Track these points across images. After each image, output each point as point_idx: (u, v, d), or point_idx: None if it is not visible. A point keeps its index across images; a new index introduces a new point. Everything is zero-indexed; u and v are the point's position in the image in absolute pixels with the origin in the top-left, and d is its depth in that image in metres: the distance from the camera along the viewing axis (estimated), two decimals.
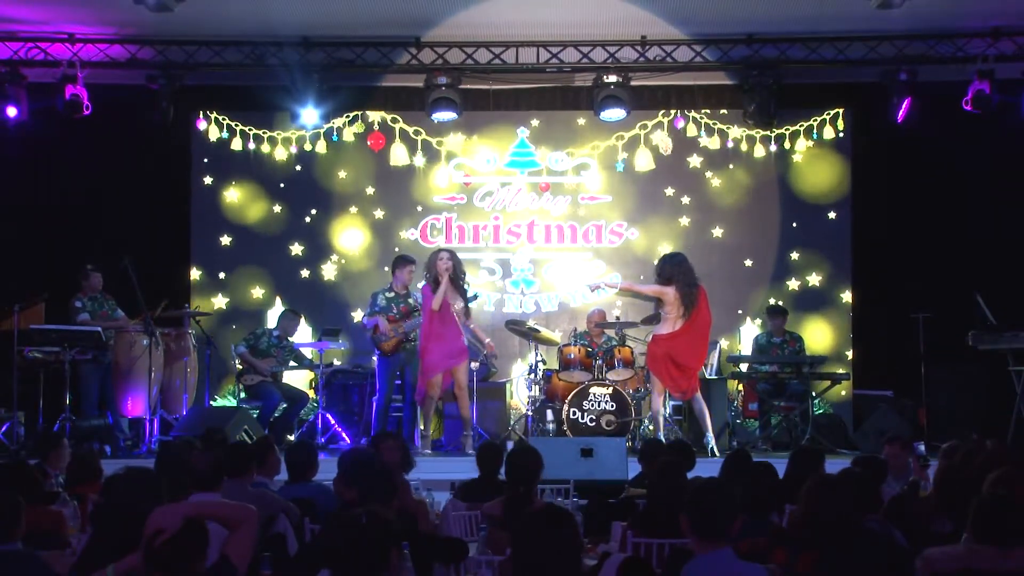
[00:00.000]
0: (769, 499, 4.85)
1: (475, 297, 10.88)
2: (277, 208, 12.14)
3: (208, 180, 12.13)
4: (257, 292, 12.05)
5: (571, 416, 10.07)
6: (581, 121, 12.00)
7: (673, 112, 11.97)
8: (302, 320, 11.52)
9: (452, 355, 9.92)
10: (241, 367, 10.90)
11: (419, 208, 12.15)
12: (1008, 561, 4.06)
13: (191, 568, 3.57)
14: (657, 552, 4.73)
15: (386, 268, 11.25)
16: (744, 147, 11.96)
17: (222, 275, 12.07)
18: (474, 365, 10.67)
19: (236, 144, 12.03)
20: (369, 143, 12.03)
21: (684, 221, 12.10)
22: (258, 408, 10.54)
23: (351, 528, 3.46)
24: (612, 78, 10.99)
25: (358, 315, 11.50)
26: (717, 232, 12.06)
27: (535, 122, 12.12)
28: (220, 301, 11.97)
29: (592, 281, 11.11)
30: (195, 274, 12.06)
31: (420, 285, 10.31)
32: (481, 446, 6.82)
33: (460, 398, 10.10)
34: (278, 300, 11.95)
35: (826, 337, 11.93)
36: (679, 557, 4.04)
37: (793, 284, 12.02)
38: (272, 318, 11.63)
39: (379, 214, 12.15)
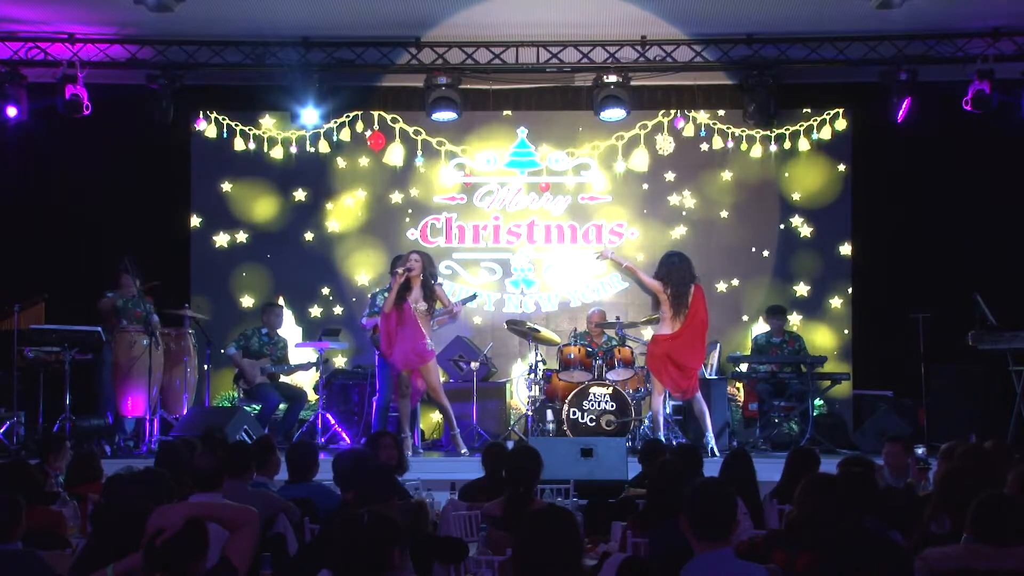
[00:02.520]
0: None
1: (474, 296, 10.88)
2: (277, 208, 12.14)
3: (208, 180, 12.13)
4: (258, 291, 12.04)
5: (571, 416, 10.07)
6: (581, 121, 12.00)
7: (673, 112, 11.97)
8: (294, 319, 11.50)
9: (411, 355, 9.74)
10: (236, 371, 10.90)
11: (419, 208, 12.16)
12: (1007, 560, 4.07)
13: (191, 568, 3.57)
14: None
15: (386, 268, 11.23)
16: (744, 147, 11.96)
17: (221, 275, 12.07)
18: (474, 365, 10.69)
19: (236, 144, 12.04)
20: (369, 143, 12.04)
21: (684, 221, 12.10)
22: (257, 408, 10.54)
23: (353, 528, 3.46)
24: (612, 78, 11.00)
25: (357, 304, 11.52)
26: (717, 232, 12.06)
27: (535, 122, 12.12)
28: (220, 301, 11.96)
29: (601, 248, 10.88)
30: (195, 273, 12.06)
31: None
32: (487, 446, 6.83)
33: (435, 399, 10.09)
34: (280, 299, 11.95)
35: (826, 337, 11.93)
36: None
37: (793, 284, 12.02)
38: None
39: (379, 214, 12.15)
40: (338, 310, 11.99)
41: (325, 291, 12.06)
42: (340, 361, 11.67)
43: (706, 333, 10.11)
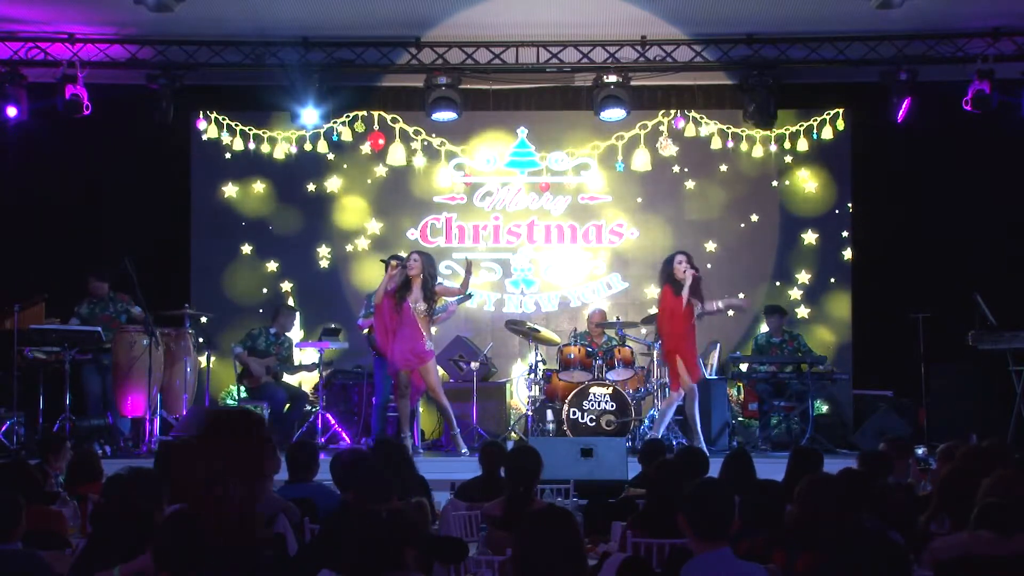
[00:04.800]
0: (769, 514, 4.79)
1: (469, 296, 10.86)
2: (276, 208, 12.15)
3: (208, 180, 12.14)
4: (257, 290, 12.04)
5: (571, 416, 10.07)
6: (581, 121, 11.99)
7: (673, 112, 11.97)
8: (299, 320, 11.51)
9: (411, 355, 9.69)
10: (239, 369, 10.91)
11: (419, 208, 12.16)
12: (1009, 545, 4.11)
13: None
14: (657, 552, 4.73)
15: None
16: (744, 147, 11.97)
17: (222, 275, 12.08)
18: (474, 365, 10.69)
19: (236, 144, 12.04)
20: (369, 143, 12.04)
21: (683, 221, 12.11)
22: (260, 408, 10.54)
23: (373, 526, 3.46)
24: (612, 78, 11.00)
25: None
26: (716, 232, 12.06)
27: (535, 122, 12.12)
28: (220, 300, 11.96)
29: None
30: (195, 273, 12.06)
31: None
32: (483, 444, 6.82)
33: (435, 400, 10.08)
34: (288, 300, 11.94)
35: (826, 337, 11.93)
36: (679, 557, 4.04)
37: (793, 283, 12.03)
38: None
39: (379, 214, 12.15)
40: (337, 310, 11.98)
41: (324, 291, 12.06)
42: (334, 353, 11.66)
43: (669, 331, 9.78)
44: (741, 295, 11.88)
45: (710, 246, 12.00)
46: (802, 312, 11.96)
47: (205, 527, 3.21)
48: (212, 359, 11.10)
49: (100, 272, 10.30)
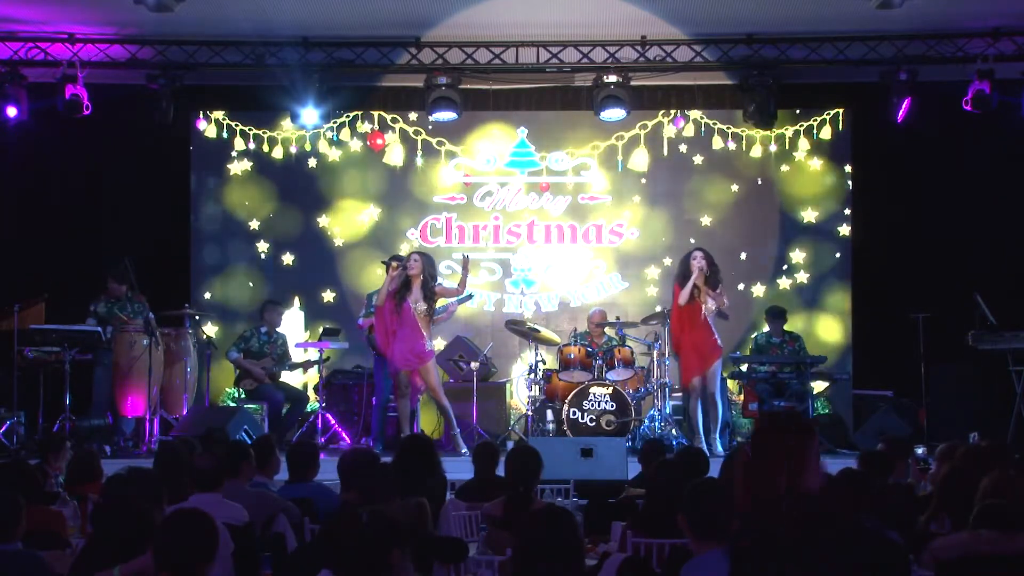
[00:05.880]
0: None
1: (470, 296, 10.87)
2: (276, 208, 12.15)
3: (208, 180, 12.14)
4: (256, 290, 12.04)
5: (571, 416, 10.07)
6: (581, 121, 11.99)
7: (673, 112, 11.97)
8: (304, 320, 11.50)
9: (410, 356, 9.74)
10: (237, 372, 10.89)
11: (419, 208, 12.16)
12: (1011, 544, 4.11)
13: (200, 569, 3.57)
14: (657, 552, 4.73)
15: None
16: (744, 147, 11.96)
17: (222, 275, 12.08)
18: (474, 365, 10.68)
19: (236, 144, 12.04)
20: (369, 143, 12.05)
21: (683, 221, 12.10)
22: (260, 409, 10.54)
23: (352, 527, 3.46)
24: (612, 78, 10.99)
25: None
26: (716, 232, 12.05)
27: (535, 122, 12.12)
28: (219, 301, 11.97)
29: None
30: (195, 273, 12.06)
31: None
32: (476, 446, 6.82)
33: (435, 400, 10.09)
34: (296, 300, 11.95)
35: (826, 337, 11.93)
36: (679, 557, 4.04)
37: (792, 284, 12.02)
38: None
39: (379, 214, 12.15)
40: (337, 310, 11.98)
41: (323, 290, 12.06)
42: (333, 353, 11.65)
43: (671, 328, 10.26)
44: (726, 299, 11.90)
45: (710, 245, 11.96)
46: (802, 312, 11.94)
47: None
48: (211, 359, 11.08)
49: (119, 274, 10.30)
